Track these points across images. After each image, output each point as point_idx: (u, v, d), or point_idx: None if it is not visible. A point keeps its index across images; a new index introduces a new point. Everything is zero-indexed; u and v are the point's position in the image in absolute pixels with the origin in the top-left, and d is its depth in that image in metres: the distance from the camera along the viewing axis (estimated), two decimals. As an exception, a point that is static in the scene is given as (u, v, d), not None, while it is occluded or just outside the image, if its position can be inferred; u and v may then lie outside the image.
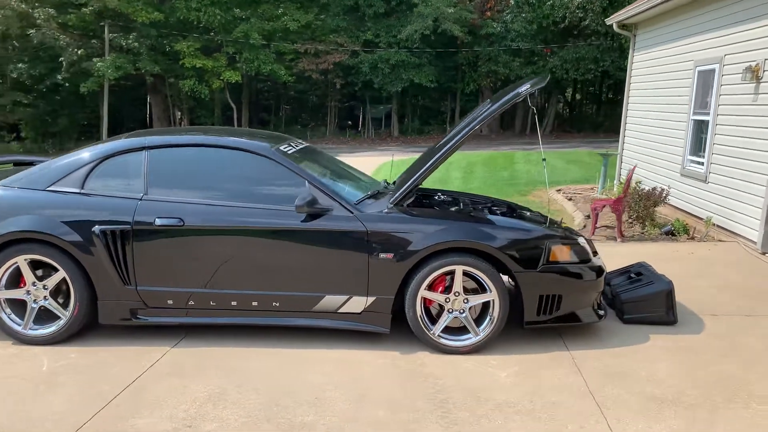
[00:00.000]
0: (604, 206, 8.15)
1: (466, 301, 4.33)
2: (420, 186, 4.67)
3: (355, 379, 3.94)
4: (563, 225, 5.06)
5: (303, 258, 4.32)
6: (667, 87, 10.30)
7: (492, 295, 4.29)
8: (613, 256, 6.87)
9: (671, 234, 8.14)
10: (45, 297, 4.39)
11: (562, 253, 4.38)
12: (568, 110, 39.51)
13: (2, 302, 4.40)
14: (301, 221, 4.28)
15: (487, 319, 4.35)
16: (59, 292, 4.46)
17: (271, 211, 4.32)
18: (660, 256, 7.01)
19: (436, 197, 5.46)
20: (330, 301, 4.35)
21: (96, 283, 4.35)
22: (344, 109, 36.69)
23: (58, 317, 4.40)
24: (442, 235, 4.28)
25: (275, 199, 4.37)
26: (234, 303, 4.39)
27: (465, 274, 4.31)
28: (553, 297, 4.36)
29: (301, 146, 5.00)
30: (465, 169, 17.57)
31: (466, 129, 4.59)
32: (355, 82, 31.18)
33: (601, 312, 4.62)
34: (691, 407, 3.58)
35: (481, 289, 4.34)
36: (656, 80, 10.85)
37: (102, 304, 4.39)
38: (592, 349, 4.42)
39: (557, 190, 12.91)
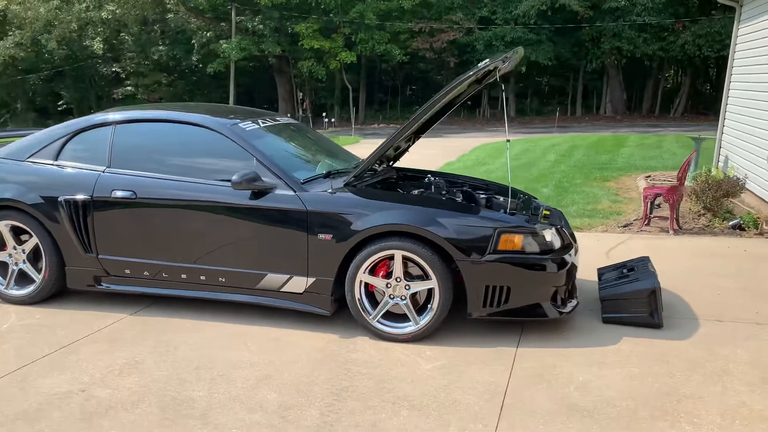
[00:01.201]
0: (656, 195, 7.43)
1: (407, 287, 4.14)
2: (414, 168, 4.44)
3: (274, 359, 3.90)
4: (545, 213, 4.67)
5: (246, 235, 4.33)
6: (762, 63, 9.16)
7: (432, 283, 4.07)
8: (652, 250, 6.28)
9: (740, 228, 7.28)
10: (24, 260, 4.73)
11: (512, 243, 4.05)
12: (709, 89, 36.36)
13: (-11, 263, 4.79)
14: (249, 198, 4.27)
15: (428, 307, 4.13)
16: (38, 256, 4.77)
17: (219, 188, 4.34)
18: (704, 252, 6.31)
19: (426, 180, 5.25)
20: (272, 279, 4.33)
21: (63, 250, 4.61)
22: (463, 88, 36.10)
23: (34, 280, 4.72)
24: (381, 218, 4.10)
25: (225, 175, 4.37)
26: (184, 276, 4.49)
27: (408, 260, 4.11)
28: (500, 288, 4.05)
29: (273, 123, 4.97)
30: (565, 152, 16.73)
31: (421, 112, 4.36)
32: (470, 60, 30.56)
33: (565, 309, 4.23)
34: (605, 420, 3.20)
35: (426, 276, 4.12)
36: (755, 56, 9.68)
37: (69, 270, 4.66)
38: (546, 347, 4.07)
39: (646, 177, 11.94)
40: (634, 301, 4.38)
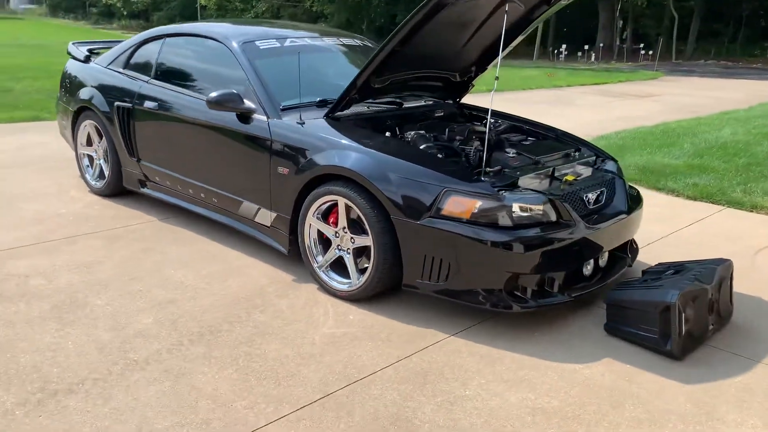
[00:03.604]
0: None
1: (352, 240, 3.63)
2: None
3: (206, 287, 3.80)
4: (567, 179, 3.62)
5: (230, 159, 4.21)
6: None
7: (369, 240, 3.50)
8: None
9: None
10: (103, 157, 5.32)
11: (461, 209, 3.24)
12: None
13: (84, 156, 5.49)
14: (235, 121, 4.10)
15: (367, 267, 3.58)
16: (111, 155, 5.29)
17: (217, 107, 4.25)
18: None
19: (480, 122, 4.49)
20: (247, 207, 4.17)
21: (119, 152, 5.06)
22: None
23: (105, 175, 5.31)
24: (328, 157, 3.62)
25: (225, 93, 4.25)
26: (191, 191, 4.58)
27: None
28: (440, 261, 3.30)
29: (313, 44, 4.64)
30: None
31: (391, 37, 3.62)
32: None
33: (530, 302, 3.29)
34: (413, 451, 2.46)
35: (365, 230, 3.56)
36: None
37: (124, 171, 5.11)
38: (488, 344, 3.24)
39: None
40: (642, 315, 3.19)
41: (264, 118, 3.96)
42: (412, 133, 3.95)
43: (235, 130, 4.09)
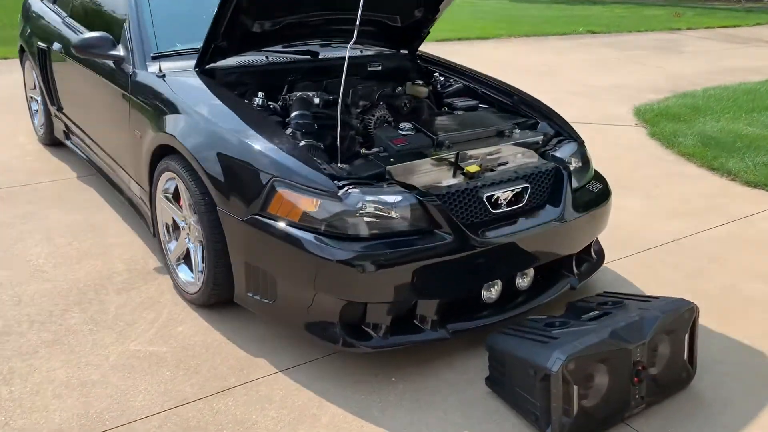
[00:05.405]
0: None
1: (197, 230, 2.87)
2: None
3: (43, 273, 3.21)
4: (469, 170, 2.63)
5: (106, 116, 3.56)
6: None
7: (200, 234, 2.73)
8: None
9: None
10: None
11: (290, 207, 2.38)
12: None
13: (32, 99, 5.03)
14: (110, 71, 3.40)
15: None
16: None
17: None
18: None
19: (429, 79, 3.56)
20: (122, 175, 3.52)
21: (46, 98, 4.54)
22: None
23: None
24: (166, 123, 2.85)
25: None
26: (90, 148, 4.00)
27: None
28: (264, 274, 2.48)
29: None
30: None
31: None
32: None
33: (373, 341, 2.41)
34: None
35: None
36: None
37: (54, 120, 4.60)
38: (318, 392, 2.42)
39: None
40: (522, 377, 2.23)
41: (129, 68, 3.23)
42: (297, 95, 3.05)
43: (107, 82, 3.41)
